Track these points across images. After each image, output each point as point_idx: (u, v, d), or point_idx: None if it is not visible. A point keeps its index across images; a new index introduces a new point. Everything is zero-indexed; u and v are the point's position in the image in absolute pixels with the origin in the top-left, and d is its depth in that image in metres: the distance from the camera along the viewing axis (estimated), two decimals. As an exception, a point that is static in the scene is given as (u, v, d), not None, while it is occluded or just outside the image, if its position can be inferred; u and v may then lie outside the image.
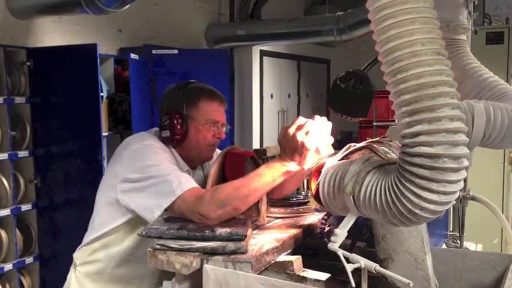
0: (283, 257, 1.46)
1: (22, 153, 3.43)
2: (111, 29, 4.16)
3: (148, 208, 1.60)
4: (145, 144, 1.73)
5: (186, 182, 1.60)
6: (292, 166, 1.55)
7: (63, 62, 3.41)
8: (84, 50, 3.35)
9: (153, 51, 4.23)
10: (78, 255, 1.86)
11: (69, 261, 1.94)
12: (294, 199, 1.84)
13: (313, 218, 1.76)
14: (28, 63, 3.43)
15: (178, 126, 1.77)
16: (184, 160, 1.84)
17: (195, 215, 1.53)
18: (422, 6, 1.06)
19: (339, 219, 1.32)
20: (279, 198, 1.82)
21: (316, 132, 1.53)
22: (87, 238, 1.82)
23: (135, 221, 1.69)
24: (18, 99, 3.39)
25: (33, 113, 3.50)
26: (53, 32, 3.74)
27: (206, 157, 1.87)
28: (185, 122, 1.78)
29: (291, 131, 1.52)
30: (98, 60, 3.29)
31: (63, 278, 1.98)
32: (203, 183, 1.85)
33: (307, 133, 1.51)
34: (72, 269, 1.88)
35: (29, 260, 3.49)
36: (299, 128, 1.52)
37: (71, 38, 3.83)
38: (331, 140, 1.57)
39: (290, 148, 1.53)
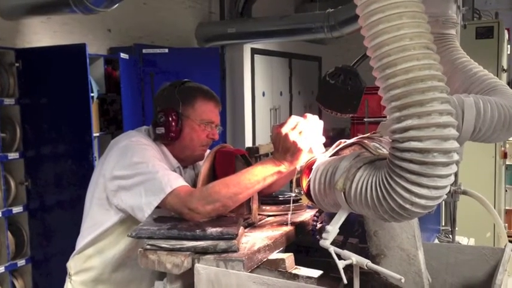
0: (275, 255, 1.45)
1: (12, 155, 3.40)
2: (100, 28, 4.13)
3: (138, 207, 1.59)
4: (132, 141, 1.72)
5: (175, 180, 1.59)
6: (284, 166, 1.54)
7: (53, 63, 3.38)
8: (73, 50, 3.32)
9: (144, 51, 4.21)
10: (72, 265, 1.83)
11: (61, 263, 1.92)
12: (286, 196, 1.83)
13: (305, 215, 1.75)
14: (17, 64, 3.40)
15: (173, 123, 1.76)
16: (176, 159, 1.83)
17: (184, 209, 1.53)
18: (409, 1, 1.06)
19: (331, 216, 1.32)
20: (268, 195, 1.82)
21: (309, 132, 1.52)
22: (80, 243, 1.80)
23: (129, 221, 1.67)
24: (7, 101, 3.36)
25: (23, 114, 3.47)
26: (42, 33, 3.71)
27: (198, 157, 1.87)
28: (180, 120, 1.78)
29: (284, 131, 1.52)
30: (88, 60, 3.26)
31: (56, 280, 1.96)
32: (194, 182, 1.84)
33: (300, 133, 1.51)
34: (67, 280, 1.85)
35: (21, 262, 3.46)
36: (292, 128, 1.51)
37: (60, 38, 3.80)
38: (323, 139, 1.56)
39: (283, 148, 1.53)
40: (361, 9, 1.10)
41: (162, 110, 1.78)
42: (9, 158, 3.38)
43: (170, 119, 1.76)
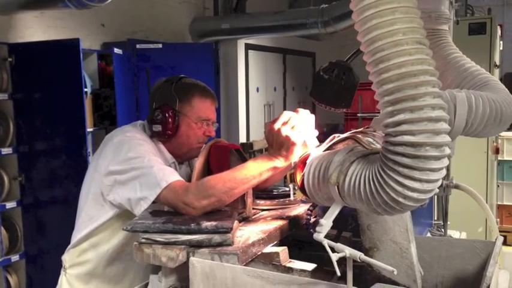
0: (270, 249, 1.46)
1: (6, 150, 3.39)
2: (94, 23, 4.11)
3: (134, 201, 1.60)
4: (127, 136, 1.73)
5: (170, 174, 1.60)
6: (279, 161, 1.55)
7: (46, 58, 3.37)
8: (66, 45, 3.31)
9: (137, 46, 4.21)
10: (67, 258, 1.83)
11: (55, 258, 1.92)
12: (280, 191, 1.84)
13: (299, 209, 1.77)
14: (10, 59, 3.38)
15: (170, 121, 1.76)
16: (172, 155, 1.83)
17: (179, 204, 1.54)
18: (403, -4, 1.07)
19: (325, 210, 1.33)
20: (263, 190, 1.83)
21: (302, 126, 1.53)
22: (74, 238, 1.80)
23: (124, 216, 1.68)
24: (1, 96, 3.35)
25: (16, 109, 3.45)
26: (35, 27, 3.69)
27: (195, 154, 1.87)
28: (177, 117, 1.78)
29: (276, 126, 1.53)
30: (81, 55, 3.26)
31: (50, 275, 1.96)
32: (189, 179, 1.85)
33: (292, 128, 1.52)
34: (62, 272, 1.86)
35: (14, 257, 3.45)
36: (284, 123, 1.52)
37: (53, 33, 3.78)
38: (316, 132, 1.58)
39: (277, 144, 1.54)
40: (355, 4, 1.10)
41: (159, 107, 1.78)
42: (3, 153, 3.37)
43: (167, 115, 1.76)
